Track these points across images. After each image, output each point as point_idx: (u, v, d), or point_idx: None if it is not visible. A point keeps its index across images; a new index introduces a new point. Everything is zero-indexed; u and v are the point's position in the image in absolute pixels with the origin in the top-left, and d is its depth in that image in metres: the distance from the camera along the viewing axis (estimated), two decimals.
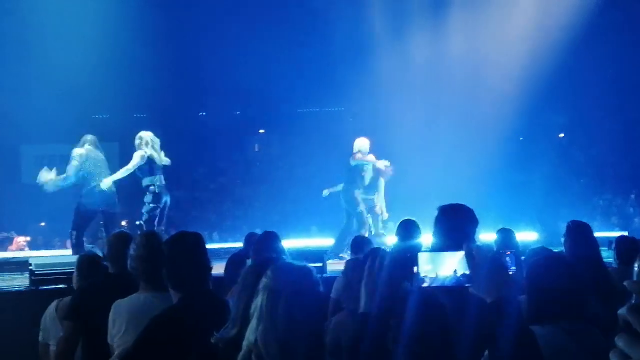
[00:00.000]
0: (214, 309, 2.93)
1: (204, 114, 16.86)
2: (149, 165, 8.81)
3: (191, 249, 3.25)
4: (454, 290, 2.21)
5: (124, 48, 12.96)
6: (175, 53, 14.81)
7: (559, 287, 2.66)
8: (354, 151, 10.28)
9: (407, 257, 2.39)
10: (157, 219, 8.77)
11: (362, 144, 10.34)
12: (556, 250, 5.68)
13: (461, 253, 2.15)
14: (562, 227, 5.14)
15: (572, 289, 2.68)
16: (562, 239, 5.03)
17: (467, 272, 2.17)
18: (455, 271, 2.21)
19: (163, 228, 8.80)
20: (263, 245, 5.37)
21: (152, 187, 8.75)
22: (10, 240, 13.23)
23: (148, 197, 8.76)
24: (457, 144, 13.63)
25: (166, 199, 8.90)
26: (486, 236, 10.10)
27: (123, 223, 11.55)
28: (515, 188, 14.72)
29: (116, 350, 3.49)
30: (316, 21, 14.06)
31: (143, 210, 8.75)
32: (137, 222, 8.85)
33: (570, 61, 14.08)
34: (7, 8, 11.94)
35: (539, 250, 4.77)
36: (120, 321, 3.53)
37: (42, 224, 14.23)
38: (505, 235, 6.16)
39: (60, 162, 9.04)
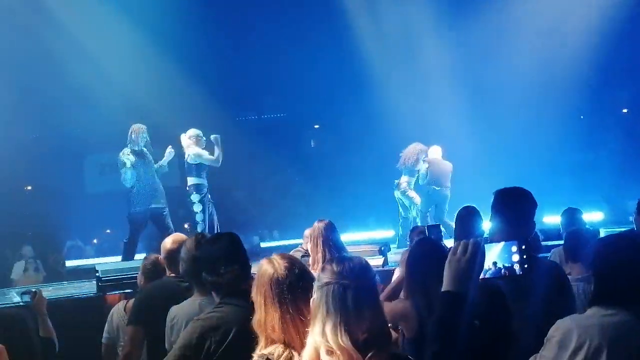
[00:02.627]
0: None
1: (255, 117, 16.97)
2: (198, 165, 8.89)
3: (225, 250, 3.20)
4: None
5: (178, 54, 13.13)
6: (226, 54, 14.94)
7: (628, 269, 2.53)
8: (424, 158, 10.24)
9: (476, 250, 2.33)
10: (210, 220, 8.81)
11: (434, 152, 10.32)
12: (623, 229, 5.48)
13: (500, 245, 2.08)
14: (630, 206, 4.95)
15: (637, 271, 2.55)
16: (631, 218, 4.85)
17: (507, 264, 2.10)
18: (494, 263, 2.13)
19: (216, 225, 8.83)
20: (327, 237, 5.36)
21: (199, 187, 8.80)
22: (78, 249, 13.59)
23: (196, 197, 8.78)
24: (517, 126, 13.34)
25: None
26: (552, 218, 9.94)
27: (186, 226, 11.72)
28: (579, 168, 14.34)
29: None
30: (366, 15, 14.01)
31: (196, 210, 8.76)
32: (186, 225, 8.87)
33: (631, 33, 13.62)
34: (65, 19, 12.21)
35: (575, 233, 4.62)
36: (177, 327, 3.52)
37: (108, 231, 14.53)
38: (572, 215, 5.94)
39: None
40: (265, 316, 2.50)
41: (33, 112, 13.02)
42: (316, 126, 17.83)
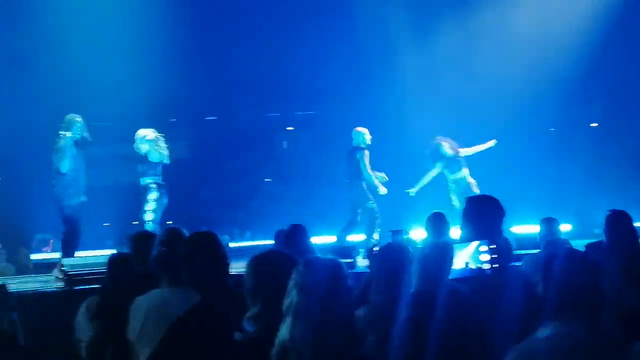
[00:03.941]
0: (235, 307, 2.92)
1: (228, 117, 16.92)
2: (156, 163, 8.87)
3: (208, 248, 3.28)
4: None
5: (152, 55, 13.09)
6: (203, 54, 14.88)
7: (576, 284, 2.53)
8: (361, 145, 10.28)
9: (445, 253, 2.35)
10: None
11: (368, 136, 10.39)
12: (591, 242, 5.57)
13: (472, 245, 2.11)
14: (598, 218, 5.03)
15: (589, 286, 2.55)
16: (598, 230, 4.93)
17: (478, 264, 2.13)
18: (466, 263, 2.16)
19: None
20: (292, 240, 5.36)
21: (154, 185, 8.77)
22: (46, 242, 13.41)
23: (153, 195, 8.75)
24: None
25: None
26: (524, 228, 10.06)
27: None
28: (548, 180, 14.52)
29: (137, 345, 3.51)
30: (345, 16, 14.07)
31: (146, 209, 8.73)
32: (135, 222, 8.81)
33: (603, 49, 13.83)
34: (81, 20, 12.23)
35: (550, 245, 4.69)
36: (139, 316, 3.55)
37: (107, 224, 13.98)
38: (550, 225, 6.02)
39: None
40: None
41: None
42: (289, 128, 17.83)
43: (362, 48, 14.14)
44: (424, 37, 13.60)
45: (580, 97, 15.35)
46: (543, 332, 2.53)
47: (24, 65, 12.55)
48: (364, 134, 10.41)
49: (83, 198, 8.68)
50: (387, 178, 10.61)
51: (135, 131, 9.16)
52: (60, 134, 8.50)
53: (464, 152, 10.69)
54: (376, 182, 10.26)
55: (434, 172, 10.69)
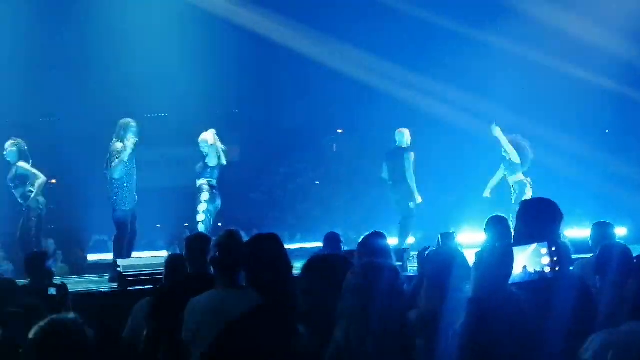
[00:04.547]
0: (295, 309, 2.91)
1: (277, 120, 17.01)
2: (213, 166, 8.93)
3: (271, 249, 3.26)
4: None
5: (205, 60, 13.26)
6: (253, 57, 15.00)
7: None
8: (404, 145, 10.19)
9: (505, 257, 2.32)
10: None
11: (408, 136, 10.28)
12: None
13: (531, 248, 2.07)
14: None
15: None
16: None
17: (538, 268, 2.09)
18: (524, 267, 2.13)
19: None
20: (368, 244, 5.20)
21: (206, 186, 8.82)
22: (104, 243, 13.63)
23: (205, 196, 8.81)
24: (543, 139, 13.27)
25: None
26: (577, 231, 9.84)
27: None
28: (604, 182, 14.20)
29: (192, 346, 3.53)
30: (393, 16, 14.04)
31: (200, 210, 8.78)
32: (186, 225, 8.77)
33: None
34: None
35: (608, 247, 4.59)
36: (195, 317, 3.57)
37: (158, 225, 14.15)
38: (603, 229, 5.86)
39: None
40: None
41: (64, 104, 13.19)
42: (339, 130, 17.82)
43: (413, 48, 14.05)
44: (476, 38, 13.45)
45: (636, 98, 14.99)
46: (624, 326, 2.50)
47: (81, 68, 12.85)
48: (405, 133, 10.34)
49: (135, 200, 8.78)
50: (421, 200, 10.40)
51: (189, 134, 9.25)
52: (114, 138, 8.58)
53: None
54: (414, 187, 10.16)
55: (499, 173, 10.39)
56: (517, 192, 10.03)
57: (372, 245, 4.91)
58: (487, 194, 10.38)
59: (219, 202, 8.94)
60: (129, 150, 8.33)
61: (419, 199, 10.15)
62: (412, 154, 10.22)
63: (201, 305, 3.60)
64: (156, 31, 12.76)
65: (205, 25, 13.13)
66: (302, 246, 10.93)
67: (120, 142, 8.42)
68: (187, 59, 12.97)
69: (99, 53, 12.93)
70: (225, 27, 13.61)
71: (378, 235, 4.96)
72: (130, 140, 8.40)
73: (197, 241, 4.42)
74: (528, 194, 9.78)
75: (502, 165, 10.28)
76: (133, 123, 8.64)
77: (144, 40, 12.71)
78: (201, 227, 8.60)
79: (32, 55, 12.64)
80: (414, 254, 9.47)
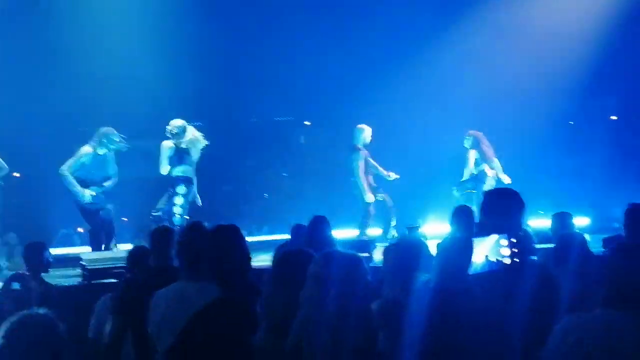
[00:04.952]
0: (255, 300, 2.91)
1: (245, 113, 16.96)
2: (179, 155, 8.90)
3: (231, 241, 3.26)
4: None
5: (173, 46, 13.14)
6: (221, 50, 14.88)
7: (625, 276, 2.54)
8: (358, 144, 10.36)
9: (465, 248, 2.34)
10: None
11: (366, 134, 10.42)
12: (609, 236, 5.52)
13: (492, 239, 2.10)
14: (616, 212, 4.98)
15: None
16: (617, 224, 4.87)
17: (499, 258, 2.12)
18: (486, 257, 2.16)
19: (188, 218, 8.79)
20: (314, 232, 5.26)
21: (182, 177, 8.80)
22: (69, 237, 13.47)
23: (181, 188, 8.80)
24: (506, 129, 13.41)
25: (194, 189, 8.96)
26: (537, 222, 10.00)
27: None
28: (566, 173, 14.40)
29: (156, 338, 3.52)
30: (364, 11, 14.09)
31: (176, 203, 8.77)
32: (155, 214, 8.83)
33: (622, 40, 13.71)
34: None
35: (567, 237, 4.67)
36: (159, 310, 3.56)
37: (125, 219, 14.02)
38: (563, 219, 5.95)
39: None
40: None
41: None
42: (307, 123, 17.80)
43: (381, 42, 14.12)
44: (440, 33, 13.55)
45: (599, 90, 15.21)
46: (595, 312, 2.56)
47: (45, 60, 12.64)
48: (363, 131, 10.42)
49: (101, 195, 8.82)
50: (397, 176, 10.61)
51: (153, 126, 9.20)
52: (92, 145, 8.68)
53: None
54: (365, 186, 10.23)
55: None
56: (482, 183, 10.25)
57: (308, 235, 5.01)
58: (456, 193, 10.59)
59: (193, 194, 8.97)
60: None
61: (368, 199, 10.24)
62: (361, 154, 10.32)
63: (164, 297, 3.59)
64: (120, 23, 12.61)
65: (170, 14, 12.98)
66: (268, 238, 10.91)
67: (91, 147, 8.62)
68: (153, 50, 12.82)
69: (64, 45, 12.73)
70: (191, 16, 13.48)
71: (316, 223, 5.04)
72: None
73: (161, 234, 4.39)
74: (490, 185, 10.00)
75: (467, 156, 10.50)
76: (112, 131, 8.76)
77: (110, 33, 12.55)
78: (177, 219, 8.60)
79: None
80: (380, 245, 9.62)
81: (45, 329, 2.55)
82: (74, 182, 8.70)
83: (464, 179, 10.63)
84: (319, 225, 5.31)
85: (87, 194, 8.79)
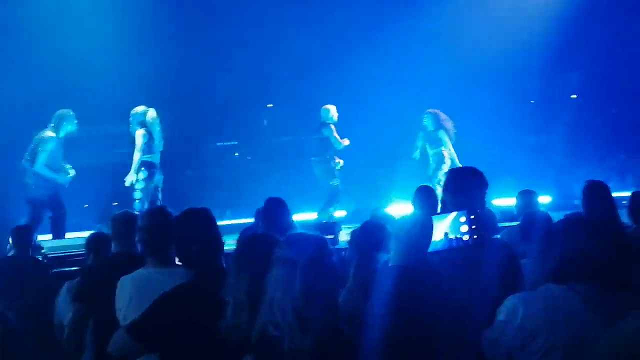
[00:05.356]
0: (223, 285, 2.87)
1: (208, 94, 16.80)
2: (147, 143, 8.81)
3: (202, 225, 3.20)
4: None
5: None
6: (181, 31, 14.70)
7: (580, 248, 2.57)
8: (328, 121, 10.44)
9: (424, 226, 2.32)
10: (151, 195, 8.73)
11: (333, 112, 10.56)
12: (570, 213, 5.57)
13: (451, 216, 2.10)
14: (577, 190, 5.04)
15: (593, 250, 2.59)
16: (577, 202, 4.93)
17: (459, 235, 2.12)
18: (446, 234, 2.16)
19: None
20: (271, 215, 5.19)
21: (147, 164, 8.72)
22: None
23: (144, 174, 8.71)
24: (468, 108, 13.50)
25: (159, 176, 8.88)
26: (504, 200, 10.11)
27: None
28: (528, 151, 14.57)
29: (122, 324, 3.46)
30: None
31: (137, 187, 8.69)
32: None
33: (583, 19, 13.86)
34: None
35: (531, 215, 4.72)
36: (124, 296, 3.51)
37: (86, 205, 13.84)
38: (528, 197, 6.00)
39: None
40: None
41: None
42: (269, 105, 17.71)
43: (344, 23, 14.07)
44: (403, 15, 13.56)
45: (560, 68, 15.39)
46: (538, 289, 2.59)
47: (9, 47, 12.33)
48: (330, 110, 10.54)
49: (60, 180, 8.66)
50: (348, 142, 10.66)
51: (115, 110, 9.06)
52: (50, 129, 8.48)
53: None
54: (345, 142, 10.34)
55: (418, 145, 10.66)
56: (434, 165, 10.30)
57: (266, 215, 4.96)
58: (416, 155, 10.63)
59: (158, 179, 8.86)
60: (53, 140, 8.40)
61: (346, 142, 10.38)
62: (332, 126, 10.43)
63: (130, 284, 3.52)
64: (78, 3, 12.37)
65: None
66: (233, 222, 10.86)
67: (53, 132, 8.36)
68: (114, 31, 12.59)
69: (29, 30, 12.44)
70: None
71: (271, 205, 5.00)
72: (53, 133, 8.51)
73: (122, 220, 4.30)
74: (445, 167, 10.05)
75: (420, 134, 10.53)
76: (70, 113, 8.57)
77: (70, 14, 12.30)
78: (137, 205, 8.50)
79: None
80: (345, 227, 9.64)
81: None
82: (52, 172, 8.52)
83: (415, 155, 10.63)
84: (277, 209, 5.21)
85: (71, 174, 8.64)
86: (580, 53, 15.00)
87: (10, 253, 6.14)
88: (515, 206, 6.03)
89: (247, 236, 3.06)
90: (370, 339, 2.24)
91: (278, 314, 2.17)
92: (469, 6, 13.50)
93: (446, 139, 10.41)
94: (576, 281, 2.55)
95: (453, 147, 10.58)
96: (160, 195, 8.78)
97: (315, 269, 2.22)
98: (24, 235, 5.98)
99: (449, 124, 10.45)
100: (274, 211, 5.13)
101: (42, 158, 8.37)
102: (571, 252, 2.57)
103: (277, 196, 5.39)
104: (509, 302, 2.59)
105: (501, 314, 2.55)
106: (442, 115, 10.52)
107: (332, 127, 10.48)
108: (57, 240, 8.29)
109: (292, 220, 5.36)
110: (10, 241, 6.25)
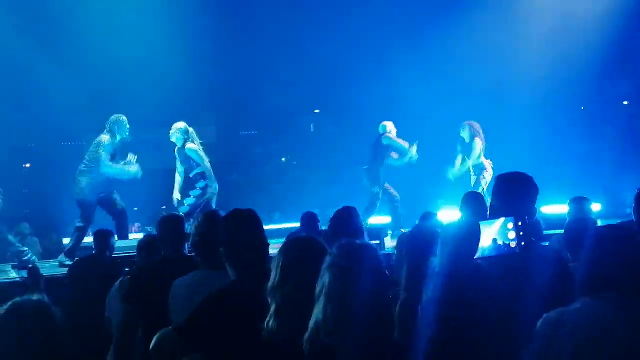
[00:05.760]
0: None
1: (255, 102, 16.91)
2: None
3: (247, 225, 3.19)
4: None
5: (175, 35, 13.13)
6: (229, 38, 14.88)
7: (618, 259, 2.45)
8: (387, 131, 10.53)
9: (471, 232, 2.31)
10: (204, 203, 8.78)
11: (391, 127, 10.63)
12: (621, 221, 5.44)
13: (498, 222, 2.08)
14: (628, 197, 4.93)
15: (632, 261, 2.47)
16: (628, 210, 4.81)
17: (507, 241, 2.09)
18: (494, 240, 2.14)
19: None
20: (341, 222, 5.07)
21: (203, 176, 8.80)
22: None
23: (201, 183, 8.80)
24: (517, 116, 13.35)
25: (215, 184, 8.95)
26: (554, 208, 9.94)
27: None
28: (579, 159, 14.33)
29: None
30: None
31: (192, 194, 8.78)
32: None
33: (634, 25, 13.59)
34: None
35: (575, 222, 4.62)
36: (178, 300, 3.53)
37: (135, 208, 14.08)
38: (580, 204, 5.86)
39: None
40: None
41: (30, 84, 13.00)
42: (316, 110, 17.78)
43: (391, 31, 14.08)
44: (450, 18, 13.49)
45: (611, 74, 15.11)
46: (574, 305, 2.48)
47: (55, 56, 12.65)
48: (387, 125, 10.72)
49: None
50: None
51: (164, 116, 9.18)
52: (105, 133, 8.65)
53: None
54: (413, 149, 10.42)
55: (459, 158, 10.56)
56: (475, 176, 10.18)
57: (346, 222, 4.85)
58: (450, 176, 10.54)
59: (215, 187, 8.91)
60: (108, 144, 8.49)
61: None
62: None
63: (185, 286, 3.55)
64: (127, 11, 12.61)
65: (179, 4, 12.96)
66: (279, 226, 10.92)
67: (108, 135, 8.58)
68: (162, 39, 12.81)
69: (82, 38, 12.75)
70: (204, 11, 13.47)
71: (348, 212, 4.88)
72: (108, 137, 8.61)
73: (170, 222, 4.35)
74: (487, 178, 9.93)
75: (458, 147, 10.44)
76: (123, 118, 8.72)
77: (118, 22, 12.57)
78: (183, 209, 8.60)
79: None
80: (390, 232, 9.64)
81: (39, 315, 2.54)
82: (120, 166, 8.69)
83: (458, 168, 10.52)
84: (351, 217, 5.04)
85: (135, 169, 8.80)
86: (631, 59, 14.71)
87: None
88: (568, 213, 5.90)
89: (293, 239, 3.05)
90: (421, 346, 2.23)
91: (331, 321, 2.17)
92: (519, 11, 13.34)
93: (477, 149, 10.29)
94: (607, 290, 2.44)
95: (485, 157, 10.49)
96: (214, 203, 8.85)
97: (369, 278, 2.23)
98: (100, 238, 6.29)
99: (481, 136, 10.36)
100: (347, 217, 5.00)
101: (104, 158, 8.54)
102: (603, 260, 2.48)
103: (322, 203, 5.37)
104: (548, 318, 2.46)
105: (540, 331, 2.43)
106: (476, 126, 10.42)
107: (392, 136, 10.57)
108: (120, 240, 8.41)
109: (362, 226, 5.24)
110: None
